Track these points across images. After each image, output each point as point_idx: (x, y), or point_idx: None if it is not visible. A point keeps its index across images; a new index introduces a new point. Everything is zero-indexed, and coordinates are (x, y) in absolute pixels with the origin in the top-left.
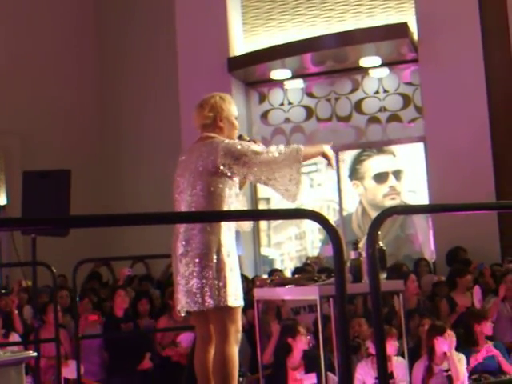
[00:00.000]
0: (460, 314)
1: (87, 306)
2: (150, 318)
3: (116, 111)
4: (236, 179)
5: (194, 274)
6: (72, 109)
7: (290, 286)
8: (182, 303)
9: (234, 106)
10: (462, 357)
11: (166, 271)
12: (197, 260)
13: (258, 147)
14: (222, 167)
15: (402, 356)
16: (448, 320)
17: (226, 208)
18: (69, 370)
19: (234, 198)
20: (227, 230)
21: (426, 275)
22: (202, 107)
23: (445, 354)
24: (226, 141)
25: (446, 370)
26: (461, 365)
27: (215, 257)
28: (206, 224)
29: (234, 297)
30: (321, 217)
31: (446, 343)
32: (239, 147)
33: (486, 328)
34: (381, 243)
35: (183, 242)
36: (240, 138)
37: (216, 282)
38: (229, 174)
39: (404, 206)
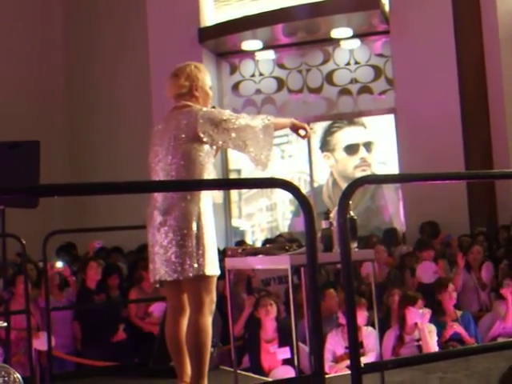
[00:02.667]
0: (418, 284)
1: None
2: (119, 292)
3: (86, 81)
4: (214, 147)
5: (173, 242)
6: (40, 79)
7: (261, 255)
8: (161, 273)
9: (208, 76)
10: (433, 328)
11: None
12: (177, 229)
13: (233, 114)
14: (201, 135)
15: (372, 326)
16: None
17: (206, 176)
18: (40, 342)
19: (212, 167)
20: (206, 198)
21: (400, 246)
22: (177, 76)
23: (416, 324)
24: (204, 109)
25: (417, 340)
26: (431, 337)
27: (195, 225)
28: (186, 193)
29: (212, 265)
30: (292, 186)
31: (417, 314)
32: (217, 114)
33: (452, 297)
34: (352, 213)
35: (162, 212)
36: (213, 108)
37: (195, 251)
38: (209, 142)
39: (375, 176)
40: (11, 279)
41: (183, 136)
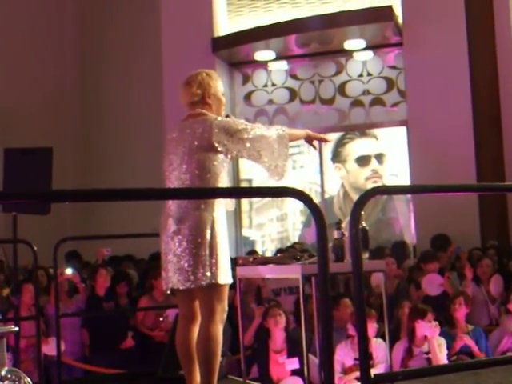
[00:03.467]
0: (424, 296)
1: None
2: (128, 300)
3: (99, 89)
4: (229, 156)
5: (187, 251)
6: (54, 86)
7: (272, 264)
8: (174, 281)
9: (220, 82)
10: (443, 341)
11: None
12: (190, 238)
13: (248, 124)
14: (216, 144)
15: (381, 338)
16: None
17: (219, 185)
18: (49, 347)
19: (226, 176)
20: (220, 207)
21: (409, 259)
22: (189, 84)
23: (425, 336)
24: (219, 118)
25: (426, 353)
26: (441, 350)
27: (209, 234)
28: (200, 201)
29: (225, 274)
30: (304, 195)
31: (426, 327)
32: (232, 124)
33: (460, 308)
34: (364, 223)
35: (176, 220)
36: (227, 117)
37: (209, 259)
38: (223, 152)
39: (387, 187)
40: (18, 286)
41: (198, 145)
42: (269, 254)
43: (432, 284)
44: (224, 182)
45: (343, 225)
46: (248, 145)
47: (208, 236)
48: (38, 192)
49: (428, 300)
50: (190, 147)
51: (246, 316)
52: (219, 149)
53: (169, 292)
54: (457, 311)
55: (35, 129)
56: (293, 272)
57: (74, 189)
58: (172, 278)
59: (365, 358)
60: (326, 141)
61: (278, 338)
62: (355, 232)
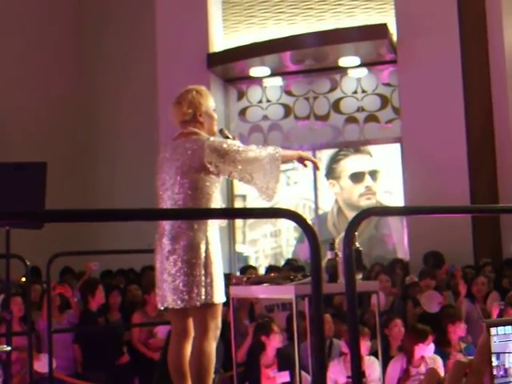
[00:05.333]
0: (422, 313)
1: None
2: (120, 313)
3: (93, 105)
4: (221, 177)
5: (182, 271)
6: (48, 101)
7: (266, 284)
8: (168, 301)
9: (210, 99)
10: (438, 359)
11: None
12: (185, 258)
13: (241, 145)
14: (208, 165)
15: (374, 355)
16: (413, 321)
17: (212, 205)
18: (40, 364)
19: (219, 195)
20: (213, 226)
21: (408, 276)
22: (179, 104)
23: (422, 356)
24: (212, 139)
25: (423, 374)
26: (437, 367)
27: (203, 254)
28: (193, 221)
29: (219, 293)
30: (298, 216)
31: (425, 348)
32: (224, 145)
33: (460, 329)
34: (357, 244)
35: (170, 240)
36: (221, 131)
37: (203, 279)
38: (215, 172)
39: (382, 208)
40: (6, 300)
41: (190, 165)
42: (262, 270)
43: (431, 301)
44: (217, 201)
45: (336, 245)
46: (240, 167)
47: (202, 256)
48: (31, 212)
49: (424, 317)
50: (182, 167)
51: (239, 333)
52: (211, 169)
53: (162, 308)
54: (455, 331)
55: (29, 144)
56: (286, 292)
57: (67, 209)
58: (167, 297)
59: (358, 378)
60: (317, 167)
61: (271, 352)
62: (349, 253)
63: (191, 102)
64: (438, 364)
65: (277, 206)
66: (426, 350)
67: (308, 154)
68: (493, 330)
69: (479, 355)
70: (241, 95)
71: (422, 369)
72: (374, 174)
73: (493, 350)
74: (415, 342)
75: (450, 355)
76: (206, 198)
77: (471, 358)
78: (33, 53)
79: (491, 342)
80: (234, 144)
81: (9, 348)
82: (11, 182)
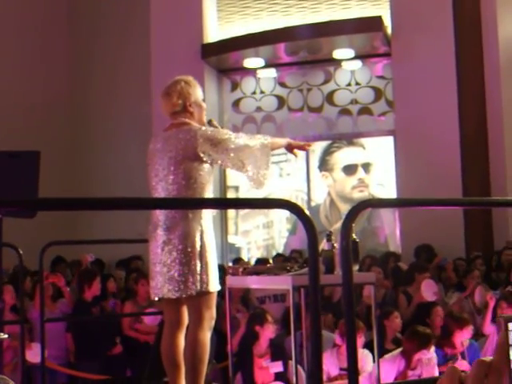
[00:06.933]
0: (416, 306)
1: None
2: (114, 299)
3: (86, 95)
4: (215, 166)
5: (177, 261)
6: (42, 92)
7: (262, 275)
8: (164, 291)
9: (199, 89)
10: (433, 359)
11: None
12: (180, 247)
13: (232, 133)
14: (201, 154)
15: (367, 347)
16: (405, 313)
17: (206, 195)
18: (32, 353)
19: (211, 185)
20: (207, 216)
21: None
22: (169, 95)
23: (420, 359)
24: (203, 128)
25: (419, 376)
26: (431, 367)
27: (198, 243)
28: (187, 211)
29: (214, 282)
30: (296, 207)
31: (427, 355)
32: (217, 134)
33: (467, 332)
34: (354, 235)
35: (165, 231)
36: (209, 122)
37: (199, 269)
38: (208, 161)
39: (379, 200)
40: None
41: (183, 155)
42: (253, 261)
43: (429, 289)
44: (210, 191)
45: (333, 236)
46: (232, 154)
47: (197, 245)
48: (24, 200)
49: (421, 307)
50: (175, 157)
51: (230, 324)
52: (204, 158)
53: (157, 299)
54: (461, 336)
55: (23, 133)
56: (283, 283)
57: (60, 197)
58: (162, 288)
59: (353, 372)
60: (305, 148)
61: (264, 342)
62: (346, 244)
63: (180, 93)
64: (433, 363)
65: (271, 197)
66: (427, 355)
67: (298, 141)
68: (510, 325)
69: (499, 354)
70: (235, 86)
71: (418, 370)
72: (366, 167)
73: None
74: (420, 348)
75: (453, 357)
76: (200, 188)
77: (490, 358)
78: (24, 44)
79: (509, 337)
80: (226, 132)
81: (6, 336)
82: (4, 171)
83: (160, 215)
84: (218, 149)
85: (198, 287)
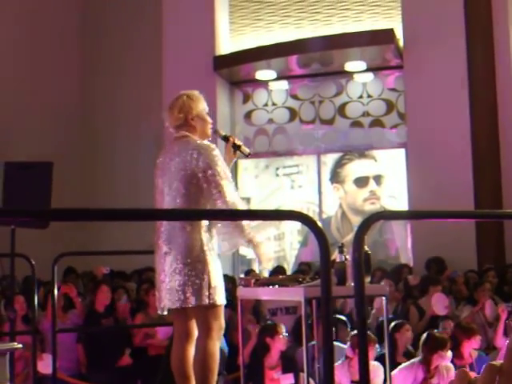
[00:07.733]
0: (429, 320)
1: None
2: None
3: (100, 104)
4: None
5: (177, 271)
6: (55, 100)
7: (274, 286)
8: (165, 301)
9: (202, 102)
10: (452, 368)
11: None
12: (180, 257)
13: (232, 194)
14: (200, 175)
15: (378, 360)
16: (417, 327)
17: (209, 206)
18: (43, 364)
19: (211, 204)
20: (207, 229)
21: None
22: (171, 109)
23: (436, 366)
24: (198, 142)
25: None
26: (449, 378)
27: (198, 254)
28: (185, 223)
29: (220, 295)
30: (309, 219)
31: (444, 357)
32: (217, 178)
33: (475, 342)
34: (366, 247)
35: (165, 241)
36: (215, 132)
37: (199, 280)
38: (204, 186)
39: (391, 212)
40: (10, 298)
41: (184, 168)
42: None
43: (439, 303)
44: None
45: (345, 248)
46: (220, 205)
47: (196, 257)
48: (37, 210)
49: (433, 320)
50: (176, 170)
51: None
52: (200, 181)
53: (165, 313)
54: (470, 345)
55: (36, 143)
56: (295, 294)
57: (73, 208)
58: (164, 297)
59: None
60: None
61: (275, 354)
62: (358, 256)
63: (182, 108)
64: (451, 374)
65: (282, 209)
66: (445, 359)
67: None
68: None
69: (509, 358)
70: (246, 98)
71: (436, 380)
72: (378, 179)
73: None
74: (435, 350)
75: (460, 368)
76: (197, 206)
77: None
78: (37, 56)
79: None
80: (226, 184)
81: (20, 345)
82: (19, 181)
83: (160, 226)
84: (210, 188)
85: (198, 299)
